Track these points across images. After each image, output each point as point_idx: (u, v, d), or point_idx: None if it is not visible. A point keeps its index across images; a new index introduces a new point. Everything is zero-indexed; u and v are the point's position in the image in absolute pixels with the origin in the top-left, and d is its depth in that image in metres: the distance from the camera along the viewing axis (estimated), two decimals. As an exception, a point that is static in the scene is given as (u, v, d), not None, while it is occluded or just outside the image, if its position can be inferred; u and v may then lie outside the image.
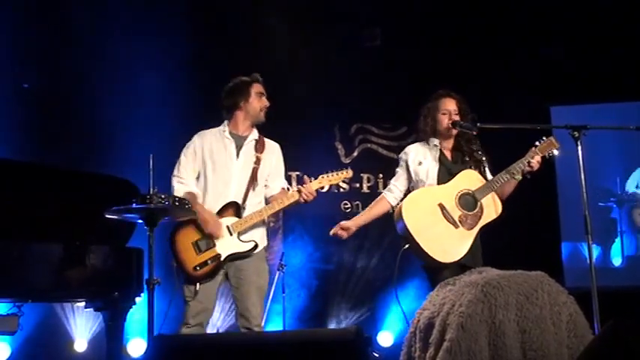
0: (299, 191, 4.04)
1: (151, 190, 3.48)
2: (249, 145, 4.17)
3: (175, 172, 4.14)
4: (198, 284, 3.89)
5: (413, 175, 4.18)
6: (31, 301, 3.96)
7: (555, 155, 4.11)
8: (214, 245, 3.95)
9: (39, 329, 6.30)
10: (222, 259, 3.94)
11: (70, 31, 6.49)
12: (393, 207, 4.21)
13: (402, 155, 4.31)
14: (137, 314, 4.56)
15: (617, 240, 7.38)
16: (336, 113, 7.56)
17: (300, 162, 7.24)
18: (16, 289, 3.68)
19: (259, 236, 4.10)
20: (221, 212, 4.01)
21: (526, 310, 2.91)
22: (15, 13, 6.24)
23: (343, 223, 4.22)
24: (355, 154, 7.79)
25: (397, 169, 4.31)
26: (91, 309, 4.10)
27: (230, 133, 4.18)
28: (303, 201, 4.05)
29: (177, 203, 3.51)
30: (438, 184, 4.10)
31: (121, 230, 4.18)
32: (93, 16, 6.46)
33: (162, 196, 3.42)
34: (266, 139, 4.28)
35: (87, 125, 6.65)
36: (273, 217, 7.43)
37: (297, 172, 7.40)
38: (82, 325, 6.74)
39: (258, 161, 4.13)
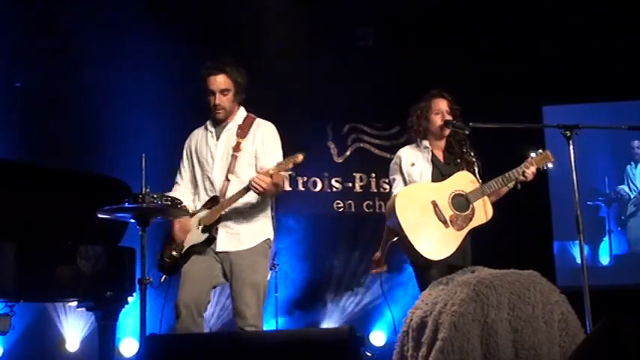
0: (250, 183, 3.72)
1: (144, 189, 3.47)
2: (228, 132, 3.96)
3: (177, 178, 4.08)
4: (164, 276, 3.79)
5: (406, 177, 4.16)
6: (22, 301, 3.94)
7: (549, 168, 4.13)
8: (185, 238, 3.88)
9: (31, 329, 6.27)
10: (183, 251, 3.83)
11: (66, 31, 6.46)
12: None
13: (395, 160, 4.27)
14: (130, 314, 4.55)
15: (606, 239, 7.43)
16: (328, 113, 7.57)
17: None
18: (8, 289, 3.67)
19: (248, 230, 3.88)
20: (203, 206, 3.90)
21: (518, 309, 2.93)
22: (9, 13, 6.21)
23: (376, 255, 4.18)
24: (348, 153, 7.80)
25: (394, 176, 4.23)
26: (83, 308, 4.09)
27: (212, 125, 4.00)
28: (255, 190, 3.69)
29: (169, 203, 3.50)
30: None
31: (113, 230, 4.17)
32: (89, 15, 6.43)
33: (155, 196, 3.42)
34: (257, 120, 4.02)
35: (80, 125, 6.62)
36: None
37: (290, 172, 7.40)
38: (74, 325, 6.71)
39: (237, 148, 3.89)
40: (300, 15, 6.85)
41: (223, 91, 3.90)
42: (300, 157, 3.81)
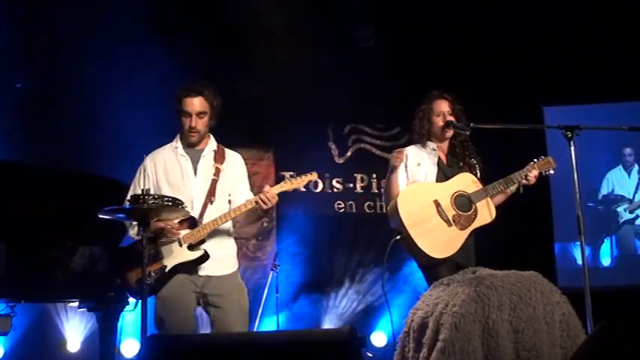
0: (258, 195, 3.74)
1: (144, 190, 3.47)
2: (206, 157, 3.93)
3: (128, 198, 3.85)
4: (135, 300, 3.69)
5: (410, 176, 4.16)
6: (24, 302, 3.94)
7: (551, 174, 4.16)
8: (162, 257, 3.72)
9: (32, 329, 6.28)
10: (166, 270, 3.71)
11: (65, 31, 6.47)
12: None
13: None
14: (130, 314, 4.53)
15: (607, 240, 7.42)
16: (329, 113, 7.57)
17: (293, 162, 7.26)
18: (9, 290, 3.67)
19: (227, 255, 3.89)
20: (177, 228, 3.77)
21: (519, 310, 2.92)
22: (10, 12, 6.21)
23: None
24: (349, 154, 7.80)
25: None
26: (85, 309, 4.09)
27: (184, 148, 3.92)
28: (263, 205, 3.70)
29: (170, 203, 3.49)
30: None
31: (114, 230, 4.17)
32: (89, 15, 6.44)
33: (155, 197, 3.41)
34: (226, 150, 4.01)
35: (80, 125, 6.63)
36: (267, 216, 7.45)
37: (291, 173, 7.40)
38: (75, 326, 6.72)
39: (217, 173, 3.88)
40: (300, 16, 6.84)
41: (199, 114, 3.87)
42: (315, 175, 3.88)
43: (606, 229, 7.43)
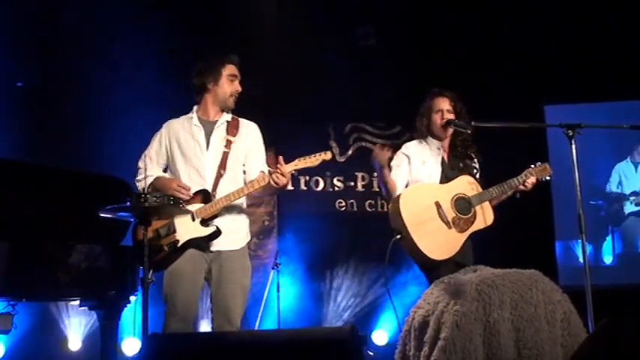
0: (270, 173, 3.72)
1: (145, 188, 3.47)
2: (219, 129, 3.92)
3: (140, 163, 3.95)
4: (151, 271, 3.64)
5: (413, 174, 4.14)
6: (25, 300, 3.94)
7: (547, 180, 4.18)
8: (175, 231, 3.73)
9: (33, 328, 6.28)
10: (179, 244, 3.72)
11: (66, 30, 6.47)
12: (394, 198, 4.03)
13: (403, 151, 4.22)
14: (131, 313, 4.54)
15: (608, 238, 7.41)
16: (330, 112, 7.57)
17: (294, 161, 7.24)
18: (10, 288, 3.67)
19: (239, 229, 3.89)
20: (189, 201, 3.76)
21: (520, 309, 2.92)
22: (10, 12, 6.21)
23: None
24: (350, 152, 7.80)
25: (399, 165, 4.18)
26: (86, 307, 4.09)
27: (199, 119, 3.93)
28: (274, 183, 3.70)
29: (171, 202, 3.49)
30: None
31: (115, 229, 4.17)
32: (90, 14, 6.44)
33: (157, 195, 3.42)
34: (241, 120, 4.01)
35: (81, 124, 6.63)
36: (268, 215, 7.45)
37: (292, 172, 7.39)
38: (76, 324, 6.73)
39: (228, 144, 3.86)
40: (300, 15, 6.84)
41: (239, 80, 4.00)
42: (329, 154, 3.85)
43: (611, 222, 7.43)
